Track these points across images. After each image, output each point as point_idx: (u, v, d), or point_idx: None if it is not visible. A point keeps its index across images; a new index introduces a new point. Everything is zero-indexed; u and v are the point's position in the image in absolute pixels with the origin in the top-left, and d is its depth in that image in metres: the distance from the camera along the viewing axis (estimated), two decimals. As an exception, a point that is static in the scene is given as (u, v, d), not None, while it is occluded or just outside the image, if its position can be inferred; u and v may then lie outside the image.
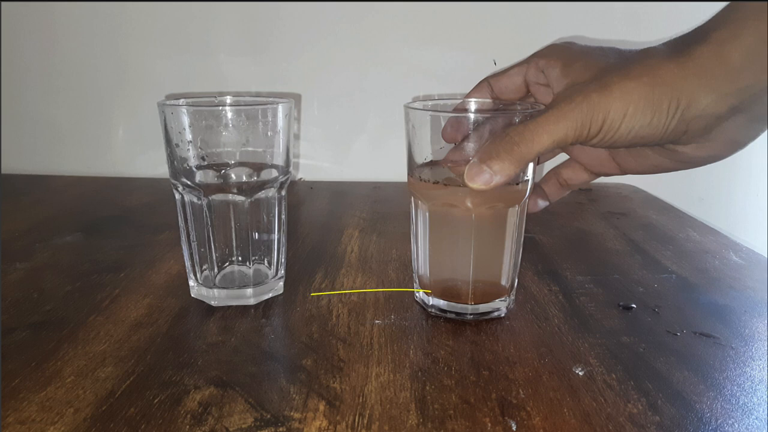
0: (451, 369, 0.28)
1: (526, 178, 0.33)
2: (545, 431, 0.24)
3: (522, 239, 0.34)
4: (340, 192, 0.62)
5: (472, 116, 0.34)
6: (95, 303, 0.35)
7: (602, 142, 0.30)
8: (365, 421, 0.24)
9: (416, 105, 0.34)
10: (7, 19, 0.64)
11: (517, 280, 0.35)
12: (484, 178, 0.29)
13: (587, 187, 0.65)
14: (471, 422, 0.24)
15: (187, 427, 0.24)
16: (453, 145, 0.34)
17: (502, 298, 0.34)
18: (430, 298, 0.34)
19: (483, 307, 0.33)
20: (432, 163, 0.34)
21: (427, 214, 0.34)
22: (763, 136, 0.29)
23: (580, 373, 0.28)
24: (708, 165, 0.31)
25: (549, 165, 0.40)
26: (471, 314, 0.33)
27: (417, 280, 0.35)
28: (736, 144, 0.30)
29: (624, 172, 0.36)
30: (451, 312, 0.33)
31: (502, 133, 0.30)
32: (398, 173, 0.65)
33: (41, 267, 0.40)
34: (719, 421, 0.25)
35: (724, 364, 0.29)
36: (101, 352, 0.29)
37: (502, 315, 0.33)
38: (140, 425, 0.24)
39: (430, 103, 0.37)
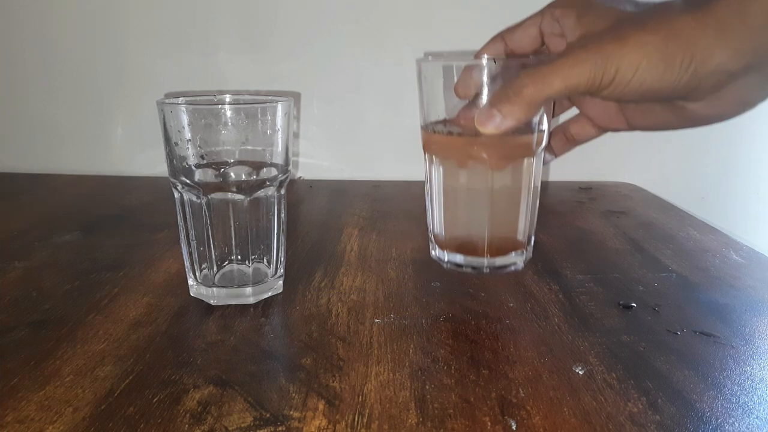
0: (451, 368, 0.28)
1: (542, 128, 0.32)
2: (545, 430, 0.24)
3: (538, 192, 0.34)
4: (339, 191, 0.62)
5: (483, 68, 0.33)
6: (94, 302, 0.35)
7: (613, 94, 0.29)
8: (365, 420, 0.24)
9: (429, 59, 0.33)
10: (5, 18, 0.64)
11: (533, 235, 0.34)
12: (494, 122, 0.29)
13: (586, 186, 0.65)
14: (471, 421, 0.24)
15: (187, 426, 0.24)
16: (466, 102, 0.33)
17: (519, 252, 0.33)
18: (446, 253, 0.33)
19: (499, 261, 0.32)
20: (445, 121, 0.34)
21: (441, 168, 0.33)
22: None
23: (580, 372, 0.28)
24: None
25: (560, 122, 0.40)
26: (488, 267, 0.32)
27: (433, 240, 0.34)
28: (746, 104, 0.29)
29: (631, 128, 0.35)
30: (467, 266, 0.32)
31: (514, 76, 0.29)
32: (398, 172, 0.65)
33: (40, 266, 0.40)
34: (719, 420, 0.25)
35: (724, 363, 0.29)
36: (100, 351, 0.29)
37: (519, 268, 0.33)
38: (139, 424, 0.24)
39: (442, 58, 0.36)
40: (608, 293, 0.37)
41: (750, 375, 0.28)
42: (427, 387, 0.26)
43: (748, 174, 0.69)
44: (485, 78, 0.32)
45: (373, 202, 0.57)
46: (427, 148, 0.34)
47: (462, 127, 0.33)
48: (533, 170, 0.32)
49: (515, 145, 0.31)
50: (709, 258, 0.43)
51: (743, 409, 0.25)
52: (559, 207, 0.56)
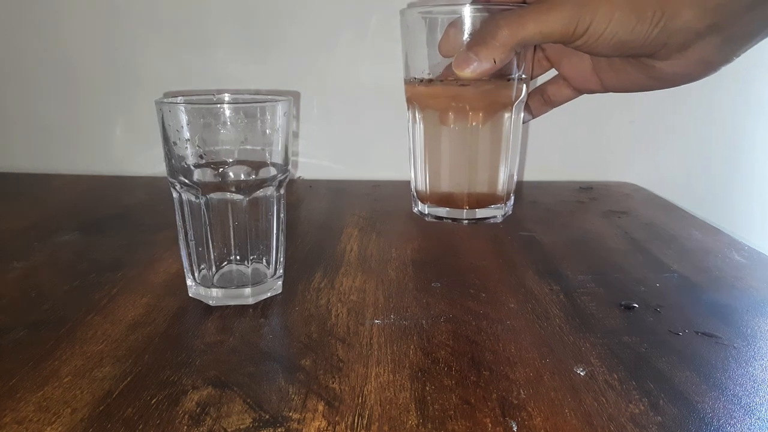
0: (452, 369, 0.28)
1: (522, 76, 0.33)
2: (546, 431, 0.24)
3: (518, 149, 0.34)
4: (339, 190, 0.62)
5: (465, 19, 0.33)
6: (93, 302, 0.34)
7: (585, 45, 0.31)
8: (365, 422, 0.24)
9: (412, 9, 0.34)
10: (6, 19, 0.64)
11: (513, 191, 0.34)
12: (471, 65, 0.31)
13: (587, 186, 0.65)
14: (471, 423, 0.24)
15: (185, 427, 0.24)
16: (450, 61, 0.34)
17: (498, 206, 0.33)
18: (427, 206, 0.34)
19: (479, 213, 0.33)
20: (429, 80, 0.34)
21: (424, 123, 0.34)
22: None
23: (582, 373, 0.28)
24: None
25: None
26: (467, 219, 0.33)
27: (415, 195, 0.35)
28: (710, 65, 0.31)
29: (605, 89, 0.38)
30: (448, 218, 0.33)
31: (491, 19, 0.30)
32: (398, 172, 0.65)
33: (39, 266, 0.40)
34: (721, 421, 0.24)
35: (726, 364, 0.29)
36: (99, 352, 0.29)
37: (498, 221, 0.33)
38: (138, 426, 0.24)
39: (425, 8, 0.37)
40: (609, 294, 0.37)
41: (752, 376, 0.28)
42: (428, 388, 0.26)
43: (750, 174, 0.69)
44: (466, 30, 0.32)
45: (373, 202, 0.57)
46: (410, 100, 0.35)
47: (446, 80, 0.33)
48: (512, 124, 0.33)
49: (496, 94, 0.32)
50: (711, 258, 0.43)
51: (745, 409, 0.25)
52: (560, 207, 0.56)
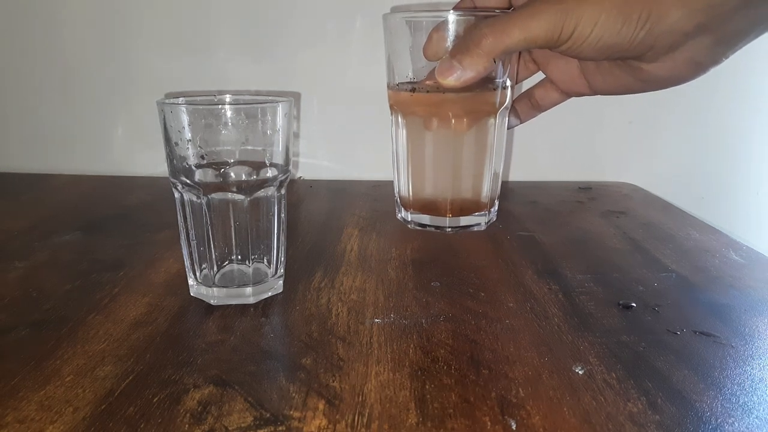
0: (451, 368, 0.28)
1: (505, 86, 0.32)
2: (545, 430, 0.24)
3: (502, 156, 0.34)
4: (339, 190, 0.62)
5: (449, 24, 0.33)
6: (94, 302, 0.35)
7: (571, 50, 0.30)
8: (365, 420, 0.24)
9: (396, 13, 0.33)
10: (6, 19, 0.64)
11: (497, 199, 0.34)
12: (455, 73, 0.30)
13: (586, 186, 0.65)
14: (471, 421, 0.24)
15: (187, 426, 0.24)
16: (434, 65, 0.34)
17: (482, 213, 0.33)
18: (410, 214, 0.34)
19: (462, 221, 0.33)
20: (413, 81, 0.34)
21: (407, 129, 0.33)
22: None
23: (580, 372, 0.28)
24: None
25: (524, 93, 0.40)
26: (450, 227, 0.33)
27: (398, 201, 0.35)
28: (698, 66, 0.31)
29: (593, 92, 0.37)
30: (431, 226, 0.33)
31: (474, 26, 0.30)
32: (398, 172, 0.65)
33: (40, 266, 0.40)
34: (719, 420, 0.25)
35: (724, 363, 0.29)
36: (100, 351, 0.29)
37: (482, 229, 0.33)
38: (139, 424, 0.24)
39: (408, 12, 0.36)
40: (608, 293, 0.37)
41: (750, 375, 0.28)
42: (427, 387, 0.27)
43: (748, 174, 0.69)
44: (451, 34, 0.32)
45: (373, 202, 0.57)
46: (393, 107, 0.34)
47: (429, 87, 0.33)
48: (496, 131, 0.33)
49: (479, 102, 0.31)
50: (708, 258, 0.43)
51: (743, 408, 0.25)
52: (559, 207, 0.56)
